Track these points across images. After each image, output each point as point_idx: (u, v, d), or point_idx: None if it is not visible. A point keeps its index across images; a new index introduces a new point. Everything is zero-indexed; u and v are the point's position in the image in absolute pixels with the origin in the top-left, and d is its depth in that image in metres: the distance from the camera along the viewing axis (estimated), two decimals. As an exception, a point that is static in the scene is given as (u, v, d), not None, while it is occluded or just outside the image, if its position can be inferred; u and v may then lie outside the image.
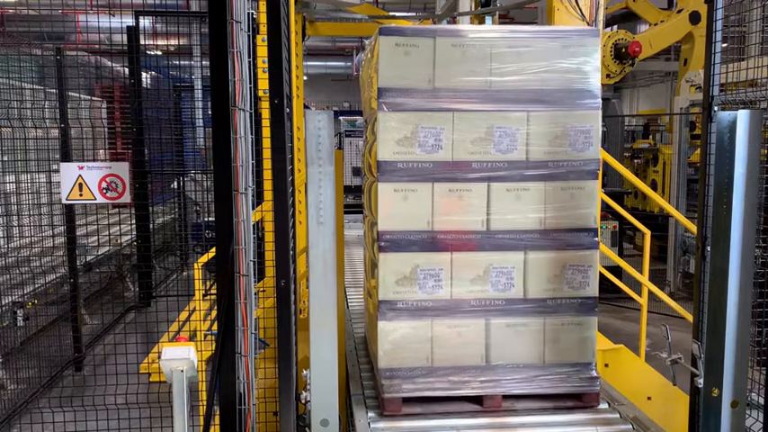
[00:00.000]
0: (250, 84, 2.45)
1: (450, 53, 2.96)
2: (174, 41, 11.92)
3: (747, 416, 2.90)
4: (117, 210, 9.31)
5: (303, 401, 2.68)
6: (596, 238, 3.11)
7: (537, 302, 3.06)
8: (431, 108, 2.95)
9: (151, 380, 5.92)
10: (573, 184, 3.04)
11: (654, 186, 10.37)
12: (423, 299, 3.00)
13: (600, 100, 3.08)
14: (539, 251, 3.04)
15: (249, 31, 2.49)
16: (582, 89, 3.02)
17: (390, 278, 2.99)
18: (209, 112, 2.98)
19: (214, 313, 5.17)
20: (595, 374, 3.10)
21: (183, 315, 6.69)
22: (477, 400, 3.06)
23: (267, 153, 2.74)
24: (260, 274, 4.18)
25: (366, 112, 3.71)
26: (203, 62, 10.73)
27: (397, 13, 11.90)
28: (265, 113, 3.73)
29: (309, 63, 18.15)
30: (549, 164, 3.02)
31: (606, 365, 4.36)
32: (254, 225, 2.61)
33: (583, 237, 3.08)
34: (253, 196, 2.54)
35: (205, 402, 2.64)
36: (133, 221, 8.23)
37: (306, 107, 7.93)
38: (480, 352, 3.05)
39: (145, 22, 9.96)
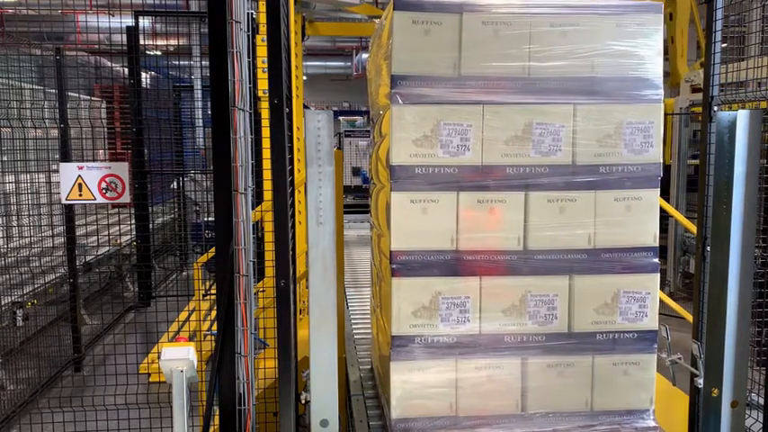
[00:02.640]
0: (250, 84, 2.45)
1: (480, 33, 2.47)
2: (173, 41, 11.92)
3: (747, 416, 2.90)
4: (117, 210, 9.30)
5: (303, 402, 2.67)
6: (656, 260, 2.61)
7: (584, 337, 2.60)
8: (456, 100, 2.47)
9: (151, 380, 5.92)
10: (629, 193, 2.56)
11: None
12: (445, 334, 2.53)
13: (662, 91, 2.60)
14: (586, 275, 2.57)
15: (249, 31, 2.49)
16: (640, 77, 2.54)
17: (406, 308, 2.51)
18: (209, 112, 2.97)
19: (214, 313, 5.17)
20: (654, 424, 2.63)
21: (183, 315, 6.69)
22: (511, 459, 2.57)
23: (267, 153, 2.74)
24: (260, 274, 4.18)
25: (374, 108, 3.27)
26: (203, 62, 10.72)
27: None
28: (265, 113, 3.72)
29: (309, 63, 18.16)
30: (600, 169, 2.55)
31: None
32: (253, 225, 2.61)
33: (640, 257, 2.58)
34: (253, 196, 2.54)
35: (205, 402, 2.64)
36: (133, 221, 8.22)
37: (306, 107, 7.93)
38: (515, 398, 2.58)
39: (144, 22, 9.96)
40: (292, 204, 3.35)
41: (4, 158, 6.25)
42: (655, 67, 2.56)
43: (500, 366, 2.57)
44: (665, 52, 8.46)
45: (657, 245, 2.61)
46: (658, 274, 2.62)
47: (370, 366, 3.68)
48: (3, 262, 5.97)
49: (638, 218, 2.58)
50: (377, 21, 3.13)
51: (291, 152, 3.25)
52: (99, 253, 7.86)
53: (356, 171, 12.14)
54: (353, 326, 4.52)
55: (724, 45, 3.06)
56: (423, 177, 2.48)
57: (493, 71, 2.49)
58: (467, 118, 2.47)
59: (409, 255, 2.51)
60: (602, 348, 2.60)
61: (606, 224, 2.56)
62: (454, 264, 2.52)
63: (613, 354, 2.60)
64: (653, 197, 2.59)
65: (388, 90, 2.52)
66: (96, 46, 11.07)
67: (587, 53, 2.52)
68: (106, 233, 8.43)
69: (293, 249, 3.02)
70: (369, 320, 4.58)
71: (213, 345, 2.58)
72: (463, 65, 2.47)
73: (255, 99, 3.99)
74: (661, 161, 2.60)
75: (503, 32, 2.48)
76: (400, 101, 2.46)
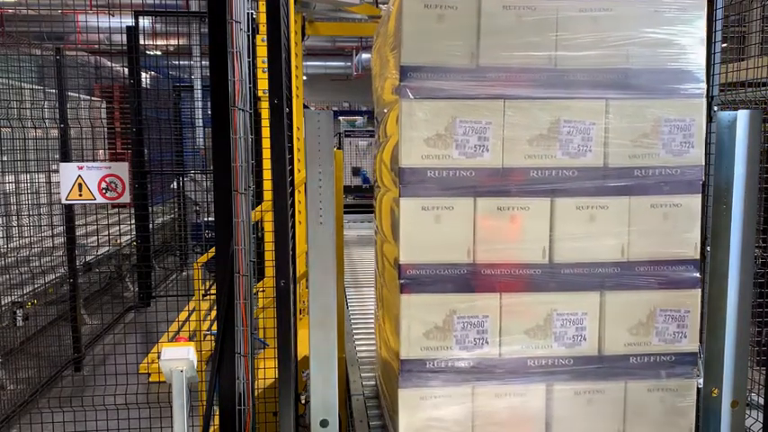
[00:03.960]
0: (250, 84, 2.45)
1: (501, 18, 2.21)
2: (173, 41, 11.92)
3: (747, 416, 2.90)
4: (116, 210, 9.31)
5: (303, 402, 2.67)
6: (697, 274, 2.36)
7: (616, 361, 2.34)
8: (473, 94, 2.21)
9: (151, 380, 5.92)
10: (667, 199, 2.31)
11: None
12: (461, 357, 2.28)
13: (704, 84, 2.33)
14: (619, 291, 2.32)
15: (249, 31, 2.49)
16: (680, 69, 2.29)
17: (417, 329, 2.26)
18: (209, 112, 2.97)
19: (214, 313, 5.17)
20: None
21: (183, 315, 6.69)
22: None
23: (267, 153, 2.74)
24: (260, 274, 4.18)
25: (378, 106, 3.01)
26: (203, 62, 10.72)
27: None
28: (265, 113, 3.73)
29: (309, 63, 18.15)
30: (635, 172, 2.29)
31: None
32: (253, 225, 2.61)
33: (680, 271, 2.33)
34: (253, 196, 2.54)
35: (205, 402, 2.64)
36: (133, 221, 8.22)
37: (306, 107, 7.93)
38: (539, 430, 2.35)
39: (144, 22, 9.96)
40: (292, 204, 3.35)
41: (4, 158, 6.25)
42: (696, 58, 2.29)
43: (522, 394, 2.32)
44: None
45: (699, 257, 2.36)
46: (699, 291, 2.37)
47: (372, 373, 3.69)
48: (3, 262, 5.97)
49: (676, 227, 2.33)
50: (382, 14, 2.86)
51: (291, 152, 3.25)
52: (99, 253, 7.86)
53: (356, 171, 12.13)
54: (353, 324, 4.52)
55: (724, 45, 3.06)
56: (435, 181, 2.23)
57: (515, 62, 2.23)
58: (485, 114, 2.23)
59: (420, 268, 2.26)
60: (635, 373, 2.35)
61: (641, 234, 2.31)
62: (471, 279, 2.27)
63: (648, 379, 2.36)
64: (694, 204, 2.33)
65: (396, 83, 2.28)
66: (96, 46, 11.07)
67: (621, 41, 2.26)
68: (106, 233, 8.43)
69: (293, 249, 3.02)
70: (368, 321, 4.59)
71: (213, 345, 2.58)
72: (481, 54, 2.22)
73: (255, 99, 3.99)
74: (703, 163, 2.35)
75: (526, 18, 2.22)
76: (410, 95, 2.20)
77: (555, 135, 2.25)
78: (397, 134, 2.29)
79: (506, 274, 2.29)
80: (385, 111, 2.72)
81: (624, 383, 2.36)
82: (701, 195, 2.36)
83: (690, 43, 2.29)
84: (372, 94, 3.23)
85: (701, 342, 2.59)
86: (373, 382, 3.44)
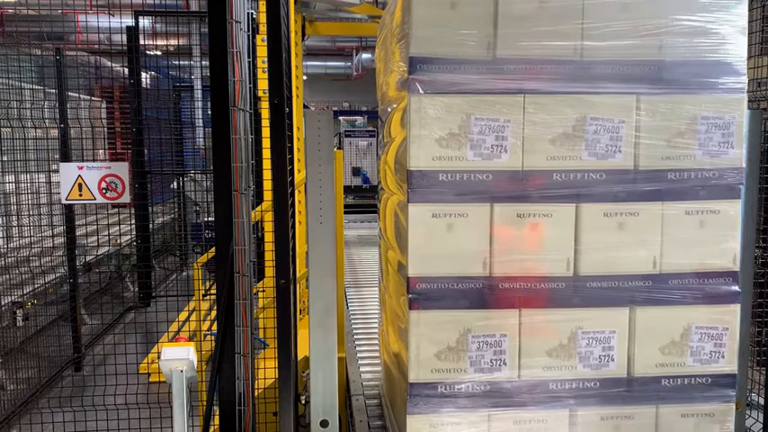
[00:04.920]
0: (250, 84, 2.45)
1: (521, 4, 2.02)
2: (173, 41, 11.91)
3: (747, 416, 2.90)
4: (116, 210, 9.30)
5: (303, 402, 2.68)
6: (737, 287, 2.16)
7: (646, 383, 2.15)
8: (490, 89, 2.02)
9: (151, 380, 5.92)
10: (703, 205, 2.12)
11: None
12: (476, 380, 2.09)
13: (746, 78, 2.14)
14: (650, 306, 2.12)
15: (249, 31, 2.49)
16: (718, 61, 2.09)
17: (427, 349, 2.07)
18: (209, 112, 2.97)
19: (214, 313, 5.17)
20: None
21: (183, 315, 6.69)
22: None
23: (267, 153, 2.74)
24: (260, 274, 4.18)
25: (383, 103, 2.81)
26: (203, 62, 10.72)
27: None
28: (265, 113, 3.73)
29: (309, 63, 18.14)
30: (669, 175, 2.10)
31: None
32: (253, 225, 2.61)
33: (717, 284, 2.14)
34: (253, 196, 2.54)
35: (205, 402, 2.64)
36: (133, 221, 8.22)
37: (306, 107, 7.93)
38: None
39: (144, 22, 9.95)
40: (292, 204, 3.35)
41: (4, 158, 6.25)
42: (737, 49, 2.11)
43: (544, 420, 2.12)
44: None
45: (738, 269, 2.16)
46: (739, 306, 2.17)
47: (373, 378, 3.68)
48: (3, 262, 5.97)
49: (714, 235, 2.13)
50: (388, 1, 2.70)
51: (291, 152, 3.25)
52: (99, 253, 7.86)
53: (356, 171, 12.13)
54: (353, 324, 4.52)
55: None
56: (448, 186, 2.04)
57: (536, 52, 2.03)
58: (504, 111, 2.02)
59: (431, 282, 2.05)
60: (668, 396, 2.15)
61: (675, 243, 2.12)
62: (487, 293, 2.07)
63: (682, 403, 2.16)
64: (733, 210, 2.14)
65: (403, 77, 2.08)
66: (96, 46, 11.07)
67: (653, 30, 2.05)
68: (106, 233, 8.43)
69: (293, 249, 3.02)
70: (368, 321, 4.59)
71: (213, 345, 2.58)
72: (500, 44, 2.02)
73: (255, 99, 3.99)
74: (744, 165, 2.15)
75: (549, 4, 2.03)
76: (420, 89, 2.00)
77: (580, 134, 2.06)
78: (403, 134, 2.12)
79: (526, 289, 2.09)
80: (389, 109, 2.57)
81: (655, 408, 2.17)
82: (740, 201, 2.16)
83: (729, 32, 2.09)
84: (376, 92, 3.08)
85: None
86: (373, 383, 3.44)
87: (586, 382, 2.14)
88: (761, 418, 3.15)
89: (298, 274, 3.62)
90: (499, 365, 2.10)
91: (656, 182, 2.11)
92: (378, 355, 3.79)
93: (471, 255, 2.07)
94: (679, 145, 2.11)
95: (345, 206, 4.92)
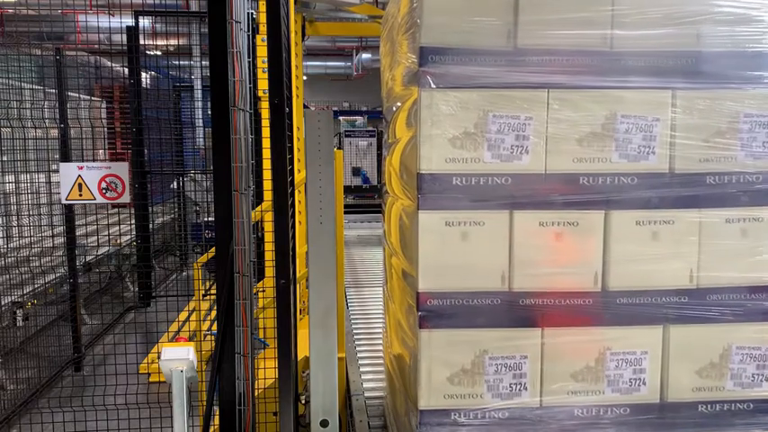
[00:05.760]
0: (250, 84, 2.45)
1: None
2: (173, 41, 11.91)
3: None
4: (116, 210, 9.30)
5: (303, 402, 2.67)
6: None
7: (682, 409, 1.97)
8: (510, 83, 1.83)
9: (151, 380, 5.92)
10: (746, 212, 1.93)
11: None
12: (494, 407, 1.92)
13: None
14: (686, 325, 1.94)
15: (249, 31, 2.49)
16: (762, 53, 1.90)
17: (439, 372, 1.89)
18: (209, 112, 2.97)
19: (214, 313, 5.17)
20: None
21: (183, 315, 6.69)
22: None
23: (267, 153, 2.74)
24: (260, 274, 4.18)
25: (389, 100, 2.62)
26: (203, 62, 10.72)
27: None
28: (265, 113, 3.72)
29: (309, 63, 18.14)
30: (707, 179, 1.91)
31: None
32: (253, 225, 2.61)
33: (761, 300, 1.96)
34: (253, 196, 2.54)
35: (205, 402, 2.64)
36: (133, 221, 8.22)
37: (306, 107, 7.93)
38: None
39: (144, 22, 9.95)
40: (292, 204, 3.35)
41: (4, 158, 6.25)
42: None
43: None
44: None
45: None
46: None
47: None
48: (3, 262, 5.97)
49: (757, 246, 1.94)
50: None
51: (291, 152, 3.25)
52: (99, 253, 7.85)
53: (356, 171, 12.14)
54: (353, 324, 4.52)
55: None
56: (462, 191, 1.86)
57: (562, 42, 1.84)
58: (525, 108, 1.84)
59: (443, 298, 1.88)
60: (705, 424, 1.98)
61: (714, 255, 1.93)
62: (506, 310, 1.89)
63: (722, 430, 2.00)
64: None
65: (413, 69, 1.90)
66: (96, 46, 11.07)
67: (691, 18, 1.86)
68: (106, 233, 8.43)
69: (293, 249, 3.01)
70: (368, 321, 4.59)
71: (213, 345, 2.58)
72: (521, 33, 1.83)
73: (255, 99, 3.99)
74: None
75: None
76: (432, 83, 1.82)
77: (610, 133, 1.87)
78: (410, 133, 1.96)
79: (549, 305, 1.90)
80: (394, 108, 2.39)
81: None
82: None
83: None
84: (381, 90, 2.94)
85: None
86: (373, 384, 3.44)
87: (615, 409, 1.96)
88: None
89: (298, 274, 3.62)
90: (519, 390, 1.92)
91: (694, 186, 1.92)
92: (378, 355, 3.79)
93: (488, 267, 1.89)
94: (719, 145, 1.92)
95: (345, 206, 4.92)
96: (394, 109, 2.43)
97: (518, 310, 1.91)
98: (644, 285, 1.94)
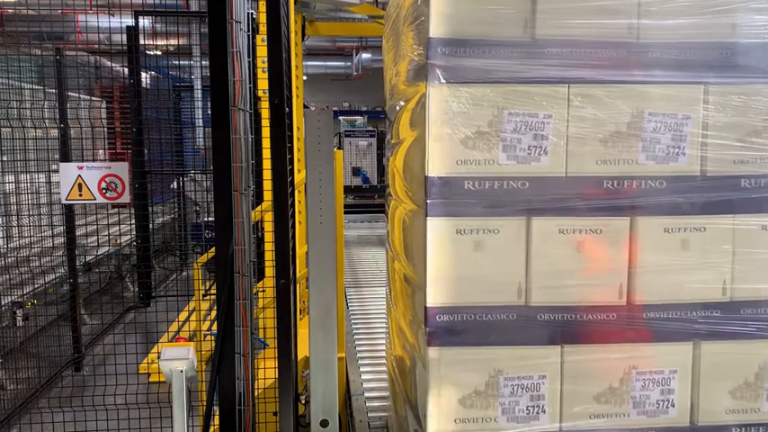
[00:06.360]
0: (250, 84, 2.45)
1: None
2: (173, 41, 11.91)
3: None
4: (116, 210, 9.30)
5: (303, 402, 2.67)
6: None
7: None
8: (527, 77, 1.69)
9: (151, 380, 5.92)
10: None
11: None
12: (510, 431, 1.77)
13: None
14: (719, 341, 1.79)
15: (249, 31, 2.49)
16: None
17: (450, 394, 1.75)
18: (209, 112, 2.97)
19: (214, 313, 5.17)
20: None
21: (183, 315, 6.69)
22: None
23: (267, 153, 2.74)
24: (260, 274, 4.18)
25: (392, 98, 2.49)
26: (203, 62, 10.72)
27: None
28: (265, 113, 3.72)
29: (309, 63, 18.14)
30: (743, 182, 1.77)
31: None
32: (253, 225, 2.61)
33: None
34: (253, 196, 2.54)
35: (205, 402, 2.64)
36: (133, 221, 8.22)
37: (306, 107, 7.93)
38: None
39: (144, 21, 9.95)
40: (292, 204, 3.35)
41: (4, 158, 6.25)
42: None
43: None
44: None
45: None
46: None
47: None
48: (3, 262, 5.97)
49: None
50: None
51: (291, 152, 3.25)
52: (99, 253, 7.86)
53: (356, 171, 12.14)
54: (353, 324, 4.52)
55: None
56: (475, 195, 1.71)
57: (584, 32, 1.70)
58: (544, 104, 1.69)
59: (454, 313, 1.73)
60: None
61: (749, 265, 1.78)
62: (523, 326, 1.75)
63: None
64: None
65: (420, 62, 1.76)
66: (96, 46, 11.07)
67: (725, 6, 1.73)
68: (106, 233, 8.43)
69: (293, 249, 3.01)
70: (368, 321, 4.59)
71: (213, 345, 2.58)
72: (539, 23, 1.69)
73: (255, 99, 3.99)
74: None
75: None
76: (441, 78, 1.67)
77: (636, 132, 1.72)
78: (414, 134, 1.84)
79: (570, 320, 1.75)
80: (397, 108, 2.26)
81: None
82: None
83: None
84: (384, 88, 2.80)
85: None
86: (373, 384, 3.44)
87: None
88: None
89: (298, 274, 3.62)
90: (537, 413, 1.77)
91: (727, 190, 1.77)
92: (377, 355, 3.79)
93: (504, 279, 1.75)
94: (755, 145, 1.76)
95: (345, 206, 4.92)
96: (397, 108, 2.30)
97: (536, 326, 1.76)
98: (673, 298, 1.79)
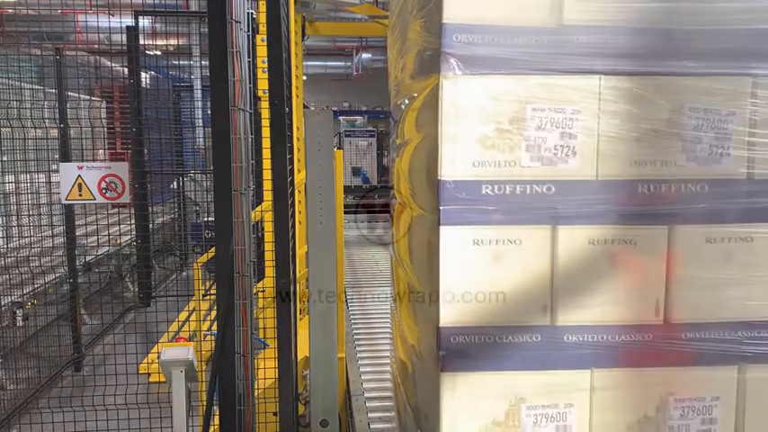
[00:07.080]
0: (250, 84, 2.45)
1: None
2: (173, 41, 11.92)
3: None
4: (117, 210, 9.31)
5: (303, 402, 2.67)
6: None
7: None
8: (554, 68, 1.50)
9: (151, 380, 5.92)
10: None
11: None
12: None
13: None
14: (767, 365, 1.60)
15: (249, 31, 2.49)
16: None
17: (465, 425, 1.55)
18: (209, 112, 2.97)
19: (214, 313, 5.17)
20: None
21: (183, 315, 6.69)
22: None
23: (267, 153, 2.74)
24: (260, 274, 4.18)
25: (398, 95, 2.27)
26: (203, 62, 10.72)
27: None
28: (265, 113, 3.72)
29: (309, 63, 18.14)
30: None
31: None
32: (254, 225, 2.61)
33: None
34: (253, 196, 2.54)
35: (205, 402, 2.64)
36: (133, 221, 8.23)
37: (306, 107, 7.94)
38: None
39: (144, 21, 9.95)
40: (292, 204, 3.35)
41: (4, 158, 6.25)
42: None
43: None
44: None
45: None
46: None
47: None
48: (3, 262, 5.97)
49: None
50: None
51: (291, 152, 3.25)
52: (99, 253, 7.86)
53: (356, 171, 12.13)
54: (353, 324, 4.51)
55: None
56: (494, 201, 1.52)
57: (616, 18, 1.50)
58: (572, 99, 1.50)
59: (471, 333, 1.55)
60: None
61: None
62: (548, 349, 1.56)
63: None
64: None
65: (433, 51, 1.55)
66: (96, 46, 11.07)
67: None
68: (106, 233, 8.44)
69: (293, 249, 3.02)
70: (368, 321, 4.58)
71: (213, 345, 2.58)
72: (567, 7, 1.50)
73: (255, 99, 3.99)
74: None
75: None
76: (456, 68, 1.48)
77: (675, 130, 1.53)
78: (425, 132, 1.67)
79: (601, 342, 1.57)
80: (403, 106, 2.06)
81: None
82: None
83: None
84: (388, 86, 2.64)
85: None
86: (373, 384, 3.44)
87: None
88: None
89: (298, 274, 3.62)
90: None
91: None
92: (377, 355, 3.79)
93: (526, 296, 1.55)
94: None
95: (345, 206, 4.92)
96: (403, 106, 2.08)
97: (563, 349, 1.57)
98: (715, 317, 1.60)
